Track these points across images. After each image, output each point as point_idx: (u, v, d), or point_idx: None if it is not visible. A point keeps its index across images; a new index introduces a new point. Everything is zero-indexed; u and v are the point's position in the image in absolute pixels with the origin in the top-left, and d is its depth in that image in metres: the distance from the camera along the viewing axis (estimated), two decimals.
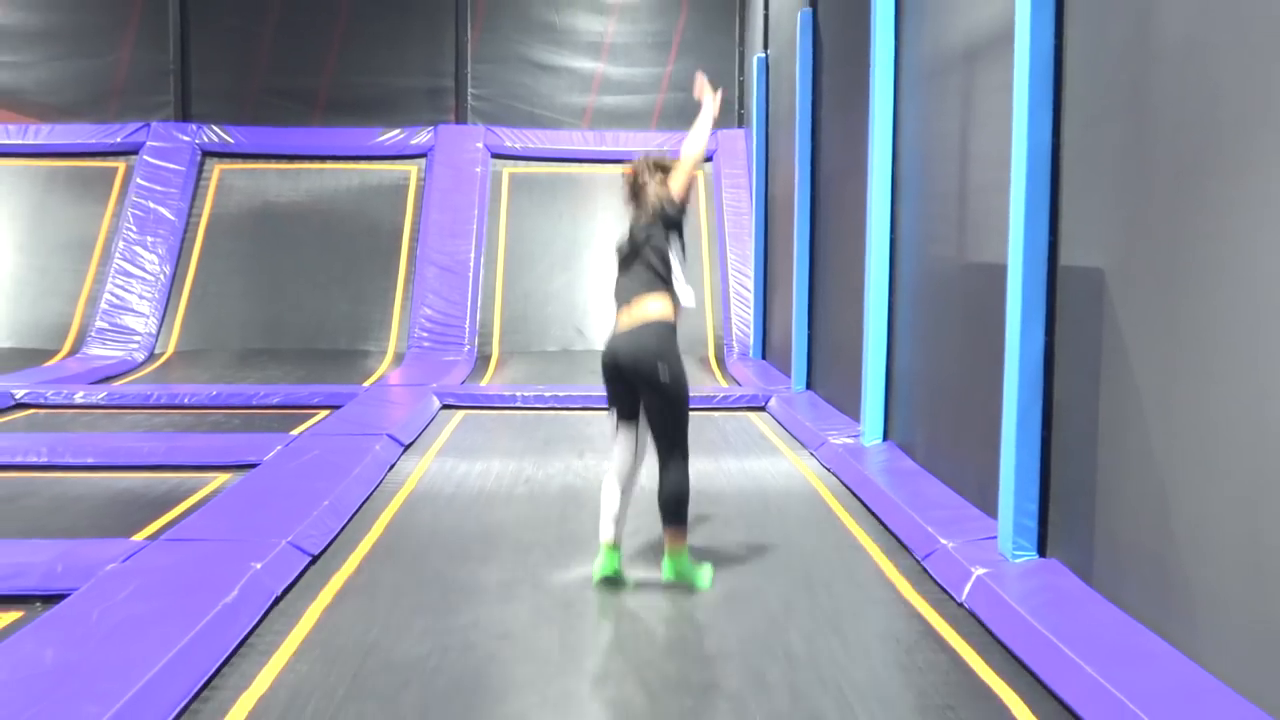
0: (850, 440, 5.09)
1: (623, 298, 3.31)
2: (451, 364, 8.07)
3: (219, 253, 9.29)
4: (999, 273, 3.45)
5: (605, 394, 3.32)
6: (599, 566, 3.25)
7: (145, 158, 9.57)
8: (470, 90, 10.32)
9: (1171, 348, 2.59)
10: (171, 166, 9.57)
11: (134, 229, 9.20)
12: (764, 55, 8.56)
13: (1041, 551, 3.24)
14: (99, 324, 8.71)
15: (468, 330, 8.81)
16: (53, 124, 9.82)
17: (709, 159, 9.84)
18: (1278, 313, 2.18)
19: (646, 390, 3.20)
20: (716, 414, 6.45)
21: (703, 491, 4.53)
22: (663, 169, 3.37)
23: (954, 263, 4.16)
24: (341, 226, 9.49)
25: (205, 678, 2.51)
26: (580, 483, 4.69)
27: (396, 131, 9.96)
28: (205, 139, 9.78)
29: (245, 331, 8.90)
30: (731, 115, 10.14)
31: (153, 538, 3.56)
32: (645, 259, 3.30)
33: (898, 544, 3.72)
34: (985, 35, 3.83)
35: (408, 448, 5.32)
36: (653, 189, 3.33)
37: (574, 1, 10.45)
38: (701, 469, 4.93)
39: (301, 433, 5.33)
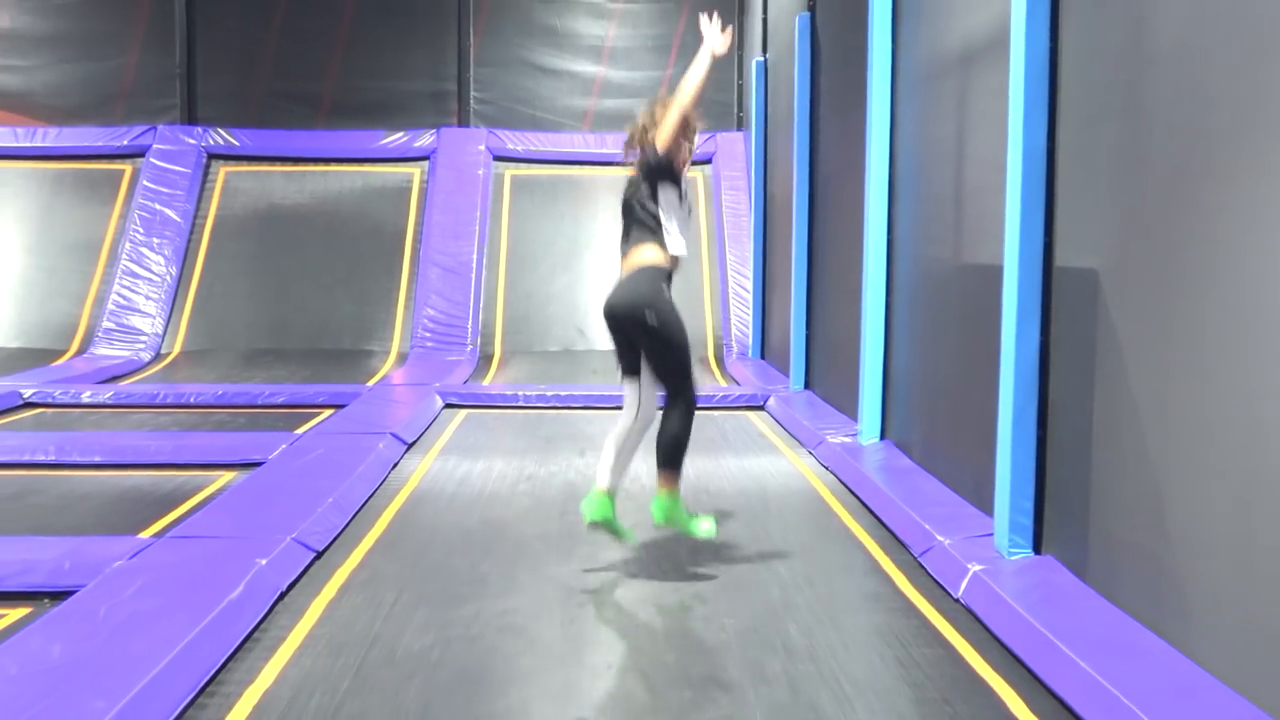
0: (848, 439, 5.12)
1: (622, 250, 3.37)
2: (454, 364, 8.11)
3: (224, 254, 9.33)
4: (995, 273, 3.47)
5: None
6: (590, 509, 3.30)
7: (152, 160, 9.61)
8: (473, 93, 10.37)
9: (1165, 348, 2.61)
10: (177, 169, 9.62)
11: (141, 231, 9.25)
12: (763, 59, 8.59)
13: (1037, 549, 3.27)
14: (106, 324, 8.74)
15: (470, 330, 8.84)
16: (60, 127, 9.86)
17: (708, 161, 9.87)
18: (1269, 313, 2.20)
19: (641, 337, 3.25)
20: (716, 413, 6.47)
21: (702, 489, 4.57)
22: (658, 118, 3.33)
23: (950, 263, 4.18)
24: (345, 228, 9.53)
25: (211, 672, 2.53)
26: (581, 480, 4.72)
27: (400, 134, 10.00)
28: (211, 142, 9.83)
29: (250, 332, 8.93)
30: (730, 118, 10.18)
31: (159, 535, 3.59)
32: (635, 211, 3.33)
33: (895, 541, 3.74)
34: (981, 39, 3.85)
35: (411, 446, 5.35)
36: (648, 138, 3.32)
37: (575, 6, 10.49)
38: (701, 467, 4.97)
39: (306, 431, 5.37)
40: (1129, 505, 2.76)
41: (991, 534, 3.40)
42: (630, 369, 3.39)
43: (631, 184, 3.39)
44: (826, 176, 6.32)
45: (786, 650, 2.74)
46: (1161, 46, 2.67)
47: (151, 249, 9.18)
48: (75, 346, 8.69)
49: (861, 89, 5.13)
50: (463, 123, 10.31)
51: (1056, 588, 2.95)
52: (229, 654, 2.64)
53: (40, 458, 4.89)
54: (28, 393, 6.56)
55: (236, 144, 9.87)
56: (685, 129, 3.35)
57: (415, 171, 9.92)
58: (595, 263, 9.37)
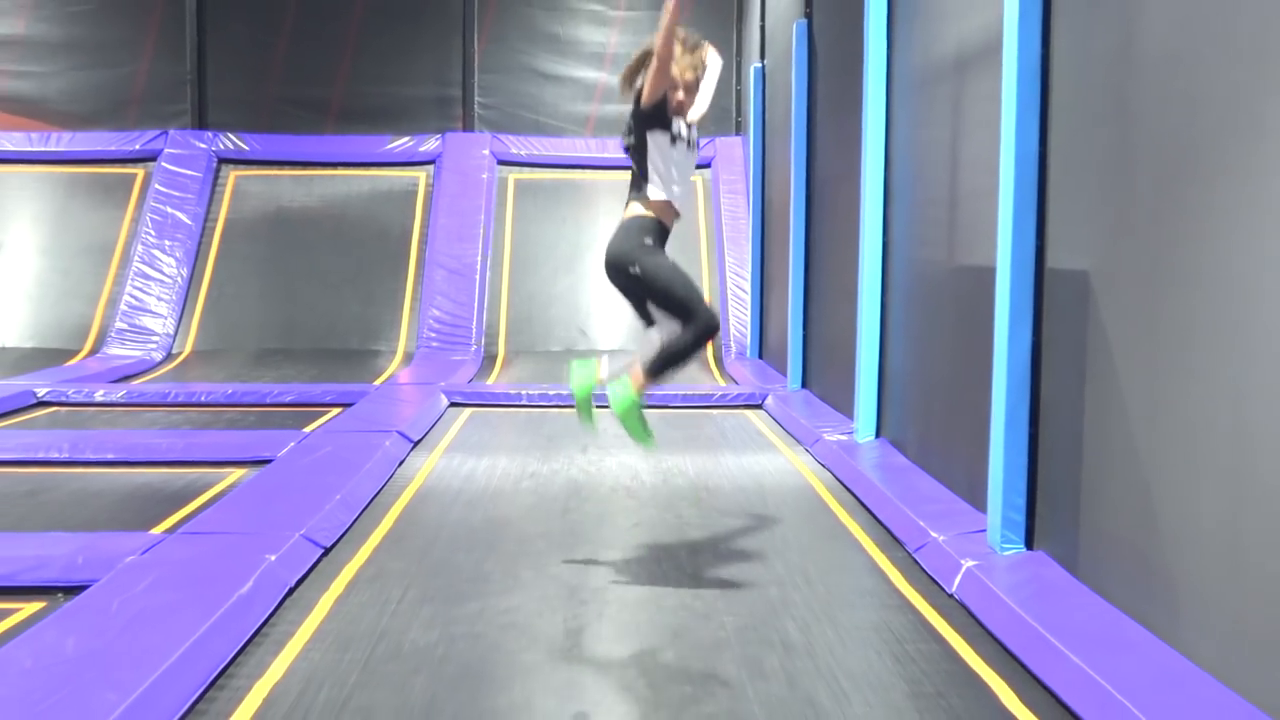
0: (844, 437, 5.15)
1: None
2: (459, 363, 8.16)
3: (234, 256, 9.40)
4: (988, 275, 3.50)
5: None
6: (580, 384, 3.38)
7: (163, 164, 9.69)
8: (477, 99, 10.43)
9: (1154, 347, 2.64)
10: (188, 173, 9.70)
11: (152, 233, 9.33)
12: (760, 65, 8.61)
13: (1029, 544, 3.30)
14: (119, 325, 8.82)
15: (474, 331, 8.91)
16: (74, 132, 9.94)
17: (707, 165, 9.91)
18: (1256, 313, 2.23)
19: (635, 285, 3.30)
20: (714, 411, 6.54)
21: (701, 486, 4.62)
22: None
23: (944, 265, 4.21)
24: (353, 231, 9.60)
25: (221, 666, 2.56)
26: (583, 477, 4.77)
27: (406, 139, 10.07)
28: (221, 146, 9.90)
29: (260, 332, 9.00)
30: (729, 123, 10.22)
31: (170, 531, 3.63)
32: (630, 159, 3.36)
33: (890, 537, 3.77)
34: (975, 46, 3.89)
35: (416, 444, 5.40)
36: (637, 84, 3.32)
37: (577, 13, 10.55)
38: (700, 465, 5.02)
39: (314, 430, 5.41)
40: (1119, 502, 2.79)
41: (984, 530, 3.43)
42: (648, 319, 3.41)
43: (625, 130, 3.37)
44: (823, 180, 6.36)
45: (784, 646, 2.77)
46: (1150, 53, 2.71)
47: (163, 251, 9.27)
48: (89, 346, 8.77)
49: (857, 94, 5.16)
50: (467, 128, 10.37)
51: (1048, 583, 2.98)
52: (239, 648, 2.67)
53: (54, 455, 4.95)
54: (42, 392, 6.63)
55: (246, 148, 9.95)
56: (665, 77, 3.22)
57: (421, 175, 9.99)
58: (596, 265, 9.37)
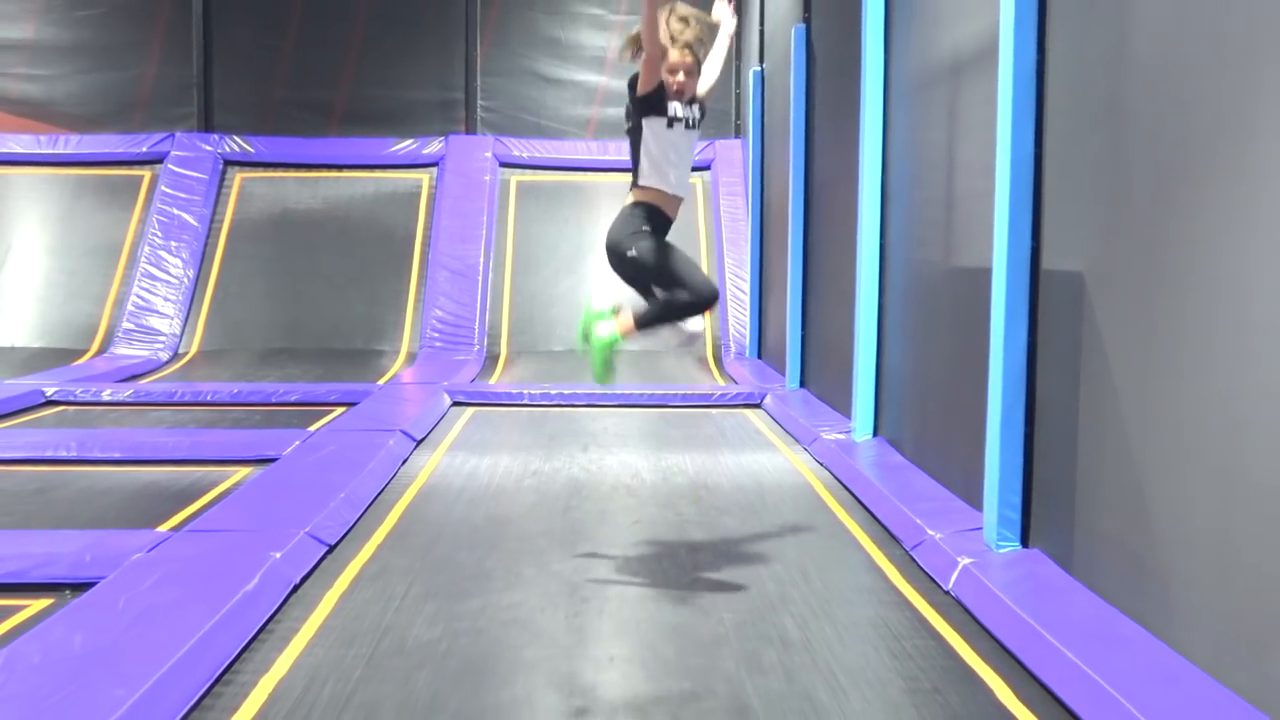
0: (842, 436, 5.17)
1: None
2: (462, 363, 8.21)
3: (240, 257, 9.46)
4: (984, 276, 3.52)
5: None
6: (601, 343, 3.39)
7: (170, 166, 9.75)
8: (479, 102, 10.49)
9: (1147, 347, 2.66)
10: (195, 175, 9.76)
11: (159, 234, 9.39)
12: (759, 68, 8.64)
13: (1024, 542, 3.32)
14: (126, 325, 8.88)
15: (477, 331, 8.96)
16: (81, 134, 10.01)
17: (707, 167, 9.95)
18: (1247, 313, 2.25)
19: (632, 268, 3.34)
20: (714, 411, 6.57)
21: (701, 484, 4.65)
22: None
23: (941, 266, 4.24)
24: (357, 232, 9.66)
25: (227, 662, 2.58)
26: (585, 475, 4.80)
27: (409, 141, 10.13)
28: (227, 149, 9.96)
29: (265, 332, 9.06)
30: (728, 126, 10.27)
31: (177, 529, 3.65)
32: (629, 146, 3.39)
33: (887, 535, 3.80)
34: (971, 50, 3.91)
35: (420, 443, 5.43)
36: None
37: (578, 18, 10.60)
38: (699, 463, 5.06)
39: (318, 429, 5.45)
40: (1113, 500, 2.81)
41: (980, 528, 3.45)
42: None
43: (625, 113, 3.40)
44: (821, 182, 6.39)
45: (782, 642, 2.79)
46: (1142, 58, 2.73)
47: (170, 252, 9.33)
48: (96, 346, 8.82)
49: (855, 97, 5.19)
50: (470, 130, 10.42)
51: (1043, 580, 3.00)
52: (244, 644, 2.69)
53: (62, 454, 5.00)
54: (50, 391, 6.67)
55: (252, 150, 10.00)
56: (655, 71, 3.20)
57: (424, 177, 10.04)
58: (597, 265, 9.46)
